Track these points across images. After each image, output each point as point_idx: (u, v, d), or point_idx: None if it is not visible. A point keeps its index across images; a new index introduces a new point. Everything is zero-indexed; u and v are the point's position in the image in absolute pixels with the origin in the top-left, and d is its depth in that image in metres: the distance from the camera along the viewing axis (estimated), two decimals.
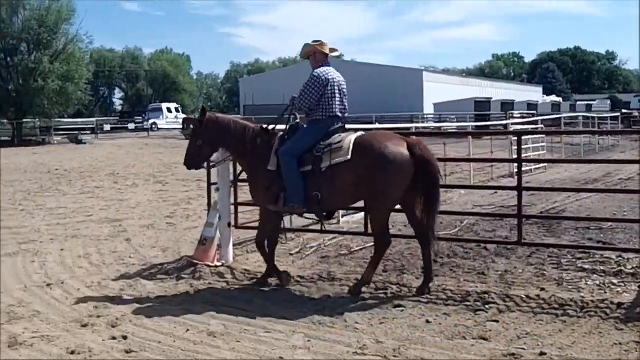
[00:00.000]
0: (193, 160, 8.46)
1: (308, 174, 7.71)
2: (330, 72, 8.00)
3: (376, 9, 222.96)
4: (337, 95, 7.96)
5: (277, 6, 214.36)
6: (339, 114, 7.97)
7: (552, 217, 11.85)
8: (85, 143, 45.66)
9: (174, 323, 6.72)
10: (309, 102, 7.88)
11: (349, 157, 7.48)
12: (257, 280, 8.36)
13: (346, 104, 8.15)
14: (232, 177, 9.63)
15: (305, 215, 8.39)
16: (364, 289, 7.68)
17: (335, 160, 7.54)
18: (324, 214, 8.17)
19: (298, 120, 8.16)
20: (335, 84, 7.97)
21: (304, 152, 7.74)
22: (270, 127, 8.28)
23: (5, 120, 54.04)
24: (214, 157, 8.86)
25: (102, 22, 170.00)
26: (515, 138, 16.24)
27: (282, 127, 8.26)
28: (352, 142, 7.57)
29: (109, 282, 8.43)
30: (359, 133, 7.93)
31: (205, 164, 8.75)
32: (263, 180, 7.99)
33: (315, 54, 8.16)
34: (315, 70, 8.03)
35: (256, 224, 9.84)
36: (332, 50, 8.24)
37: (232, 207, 9.82)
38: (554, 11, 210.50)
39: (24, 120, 51.66)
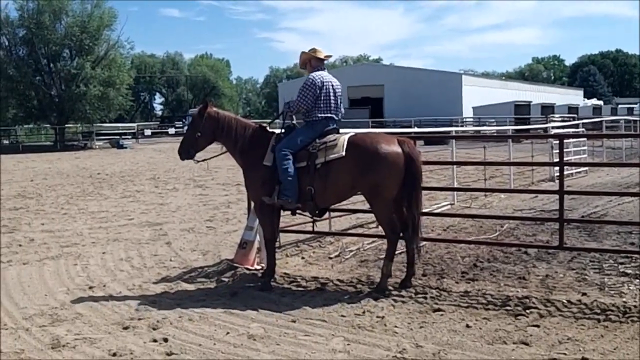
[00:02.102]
0: (186, 150, 8.76)
1: (302, 170, 8.01)
2: (324, 76, 8.33)
3: (415, 14, 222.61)
4: (332, 98, 8.30)
5: (317, 11, 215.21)
6: (334, 116, 8.33)
7: (593, 221, 11.67)
8: (126, 147, 46.28)
9: (214, 326, 6.77)
10: (305, 104, 8.20)
11: (343, 153, 7.78)
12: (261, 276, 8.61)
13: (341, 107, 8.52)
14: None
15: (301, 213, 8.64)
16: (403, 292, 7.71)
17: (329, 157, 7.85)
18: (317, 211, 8.37)
19: (294, 122, 8.54)
20: (330, 87, 8.30)
21: (299, 149, 8.06)
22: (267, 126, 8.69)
23: (48, 125, 55.07)
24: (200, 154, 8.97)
25: (143, 28, 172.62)
26: (556, 141, 16.12)
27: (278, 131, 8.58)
28: (347, 140, 7.88)
29: (149, 285, 8.53)
30: (353, 132, 8.30)
31: (195, 159, 8.89)
32: (259, 175, 8.25)
33: (310, 61, 8.48)
34: (311, 75, 8.34)
35: (297, 227, 9.98)
36: (327, 57, 8.58)
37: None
38: (595, 14, 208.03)
39: (66, 125, 52.62)
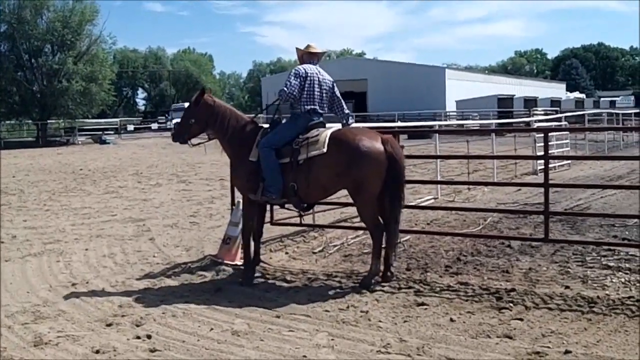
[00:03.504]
0: (180, 134, 8.84)
1: (286, 166, 8.01)
2: (311, 68, 8.39)
3: (399, 7, 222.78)
4: (317, 91, 8.30)
5: (301, 5, 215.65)
6: (319, 109, 8.30)
7: (578, 213, 11.74)
8: (108, 143, 46.12)
9: (197, 322, 6.74)
10: (291, 91, 8.13)
11: (325, 149, 7.77)
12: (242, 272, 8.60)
13: (325, 102, 8.47)
14: None
15: (287, 207, 8.70)
16: (386, 287, 7.73)
17: (311, 153, 7.85)
18: (303, 205, 8.42)
19: (280, 117, 8.59)
20: (315, 79, 8.32)
21: (282, 145, 8.07)
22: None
23: (30, 121, 54.71)
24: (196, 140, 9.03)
25: (125, 23, 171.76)
26: (539, 135, 16.19)
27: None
28: (328, 136, 7.86)
29: (133, 281, 8.48)
30: (336, 128, 8.27)
31: (190, 142, 8.92)
32: (244, 170, 8.33)
33: (303, 57, 8.57)
34: (296, 66, 8.47)
35: (293, 220, 10.11)
36: (320, 52, 8.69)
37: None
38: (577, 7, 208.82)
39: (48, 120, 52.31)
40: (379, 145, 7.72)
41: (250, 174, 8.18)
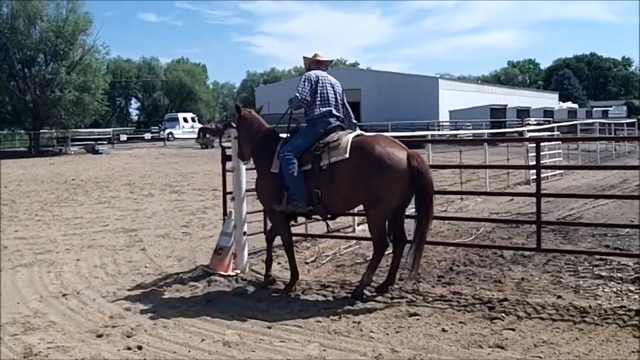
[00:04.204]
0: (240, 153, 8.98)
1: (308, 173, 7.86)
2: (320, 73, 8.33)
3: (393, 17, 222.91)
4: (331, 93, 8.22)
5: (295, 15, 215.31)
6: (334, 111, 8.16)
7: (570, 223, 11.76)
8: (101, 153, 45.96)
9: (189, 333, 6.72)
10: (304, 96, 8.09)
11: (347, 155, 7.58)
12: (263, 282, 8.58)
13: (342, 105, 8.38)
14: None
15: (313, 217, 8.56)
16: (379, 297, 7.71)
17: (333, 159, 7.67)
18: (328, 214, 8.25)
19: (298, 125, 8.44)
20: (327, 82, 8.26)
21: (303, 151, 7.93)
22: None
23: (23, 131, 54.58)
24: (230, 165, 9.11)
25: (119, 33, 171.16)
26: (532, 145, 16.22)
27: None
28: (350, 141, 7.68)
29: (124, 292, 8.45)
30: (357, 132, 8.02)
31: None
32: (268, 183, 8.24)
33: (310, 65, 8.49)
34: (305, 73, 8.40)
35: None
36: (327, 61, 8.63)
37: (262, 214, 10.07)
38: (570, 18, 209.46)
39: (41, 130, 52.18)
40: (403, 159, 7.45)
41: (274, 186, 8.09)
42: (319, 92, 8.12)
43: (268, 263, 8.70)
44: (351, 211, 9.41)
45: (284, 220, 8.41)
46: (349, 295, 7.83)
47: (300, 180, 7.86)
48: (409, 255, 7.62)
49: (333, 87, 8.28)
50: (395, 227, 7.98)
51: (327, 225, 8.95)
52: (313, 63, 8.48)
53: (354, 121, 8.55)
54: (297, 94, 8.08)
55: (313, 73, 8.26)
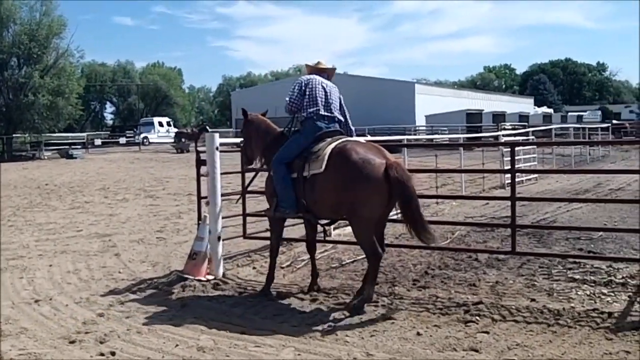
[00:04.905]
0: (248, 155, 9.01)
1: (296, 180, 7.80)
2: (314, 77, 8.24)
3: (370, 22, 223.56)
4: (320, 94, 8.06)
5: (273, 19, 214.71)
6: (323, 111, 8.02)
7: (546, 227, 11.84)
8: (75, 158, 45.65)
9: (163, 338, 6.66)
10: (292, 99, 8.07)
11: (322, 169, 7.49)
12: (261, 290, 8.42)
13: (336, 106, 8.21)
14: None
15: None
16: (355, 301, 7.63)
17: (312, 171, 7.62)
18: (319, 221, 8.25)
19: (290, 129, 8.35)
20: (318, 84, 8.13)
21: (293, 158, 7.87)
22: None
23: None
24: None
25: (94, 36, 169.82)
26: (507, 149, 16.34)
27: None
28: (328, 153, 7.53)
29: (97, 297, 8.36)
30: (340, 141, 7.71)
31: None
32: (268, 187, 8.31)
33: (311, 74, 8.41)
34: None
35: (265, 234, 9.98)
36: (328, 69, 8.57)
37: (241, 218, 10.29)
38: (546, 23, 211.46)
39: (14, 135, 51.62)
40: (380, 169, 7.22)
41: (273, 191, 8.08)
42: (307, 93, 8.03)
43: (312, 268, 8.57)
44: None
45: (279, 225, 8.46)
46: (324, 299, 7.83)
47: (287, 188, 7.82)
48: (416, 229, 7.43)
49: (325, 89, 8.13)
50: (376, 235, 7.76)
51: (324, 230, 8.78)
52: (314, 71, 8.43)
53: (352, 127, 8.46)
54: (287, 98, 8.08)
55: (305, 77, 8.24)
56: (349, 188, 7.27)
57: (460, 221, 12.94)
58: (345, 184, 7.29)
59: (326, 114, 8.03)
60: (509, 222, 9.19)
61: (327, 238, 9.57)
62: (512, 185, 8.96)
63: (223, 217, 9.53)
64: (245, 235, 10.46)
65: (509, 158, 9.13)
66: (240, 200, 10.33)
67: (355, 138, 8.15)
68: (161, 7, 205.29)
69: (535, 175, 21.53)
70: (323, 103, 8.03)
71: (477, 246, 10.70)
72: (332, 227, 9.18)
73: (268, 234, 9.83)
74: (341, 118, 8.25)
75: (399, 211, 7.60)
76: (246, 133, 8.84)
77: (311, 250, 8.58)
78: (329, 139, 7.79)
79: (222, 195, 9.49)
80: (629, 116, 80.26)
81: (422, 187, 19.37)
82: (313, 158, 7.64)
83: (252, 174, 9.46)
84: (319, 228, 8.55)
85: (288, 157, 7.88)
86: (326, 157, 7.50)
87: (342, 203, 7.42)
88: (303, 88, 8.07)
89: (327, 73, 8.49)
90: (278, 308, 7.63)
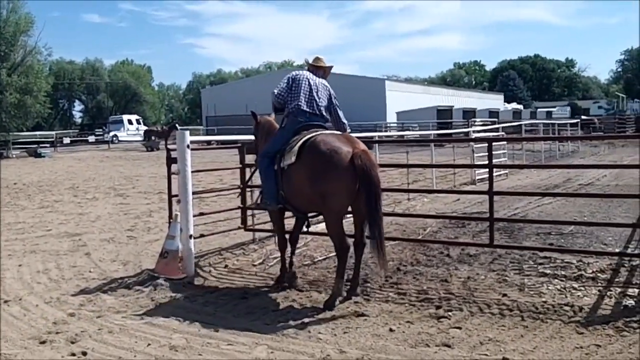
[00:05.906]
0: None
1: (276, 173, 7.94)
2: (303, 73, 8.39)
3: (341, 20, 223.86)
4: (304, 89, 8.15)
5: (242, 16, 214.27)
6: (304, 107, 8.08)
7: (522, 220, 11.99)
8: (44, 156, 45.16)
9: (134, 337, 6.61)
10: (278, 92, 8.27)
11: (293, 160, 7.62)
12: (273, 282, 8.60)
13: (321, 103, 8.24)
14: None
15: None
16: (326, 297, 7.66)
17: (285, 163, 7.76)
18: (301, 214, 8.36)
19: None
20: (304, 80, 8.23)
21: (275, 152, 8.02)
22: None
23: None
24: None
25: (62, 34, 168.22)
26: (477, 145, 16.47)
27: None
28: (299, 145, 7.63)
29: (68, 297, 8.27)
30: (317, 133, 7.74)
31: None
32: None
33: (309, 70, 8.59)
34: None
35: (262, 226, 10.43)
36: (326, 66, 8.75)
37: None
38: (515, 20, 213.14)
39: None
40: (346, 158, 7.26)
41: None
42: (293, 88, 8.16)
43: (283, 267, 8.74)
44: None
45: (278, 219, 8.64)
46: (297, 296, 7.83)
47: (269, 180, 8.02)
48: (373, 252, 7.46)
49: (310, 85, 8.18)
50: (355, 227, 7.88)
51: (307, 223, 8.70)
52: (311, 68, 8.58)
53: (344, 121, 8.55)
54: (275, 90, 8.26)
55: (295, 72, 8.38)
56: (319, 178, 7.36)
57: (436, 214, 13.00)
58: (315, 174, 7.39)
59: (307, 109, 8.09)
60: (482, 217, 9.25)
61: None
62: (490, 179, 9.10)
63: (194, 216, 9.48)
64: (246, 228, 10.89)
65: (482, 154, 9.22)
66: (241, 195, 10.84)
67: (329, 131, 8.11)
68: (129, 4, 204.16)
69: (506, 170, 21.71)
70: (306, 99, 8.13)
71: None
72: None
73: (266, 227, 10.28)
74: (326, 114, 8.29)
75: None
76: (255, 134, 9.18)
77: (293, 243, 8.74)
78: (304, 132, 7.86)
79: (194, 193, 9.45)
80: (598, 112, 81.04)
81: (394, 184, 19.47)
82: (287, 150, 7.76)
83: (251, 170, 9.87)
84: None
85: (271, 150, 8.07)
86: (296, 149, 7.61)
87: (314, 193, 7.47)
88: (290, 83, 8.21)
89: (324, 70, 8.63)
90: (250, 306, 7.61)
